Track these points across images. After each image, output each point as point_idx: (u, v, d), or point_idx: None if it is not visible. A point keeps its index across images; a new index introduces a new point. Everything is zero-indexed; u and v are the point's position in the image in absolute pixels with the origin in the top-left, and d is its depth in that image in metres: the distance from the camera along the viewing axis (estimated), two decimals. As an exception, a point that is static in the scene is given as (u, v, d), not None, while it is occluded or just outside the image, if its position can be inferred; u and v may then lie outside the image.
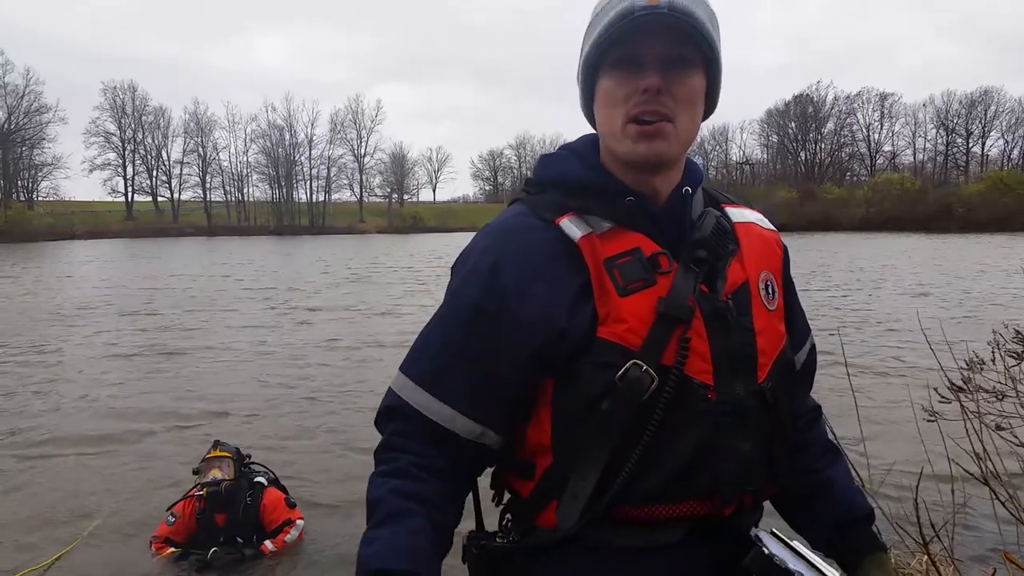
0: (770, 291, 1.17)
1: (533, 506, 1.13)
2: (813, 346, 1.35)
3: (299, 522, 4.44)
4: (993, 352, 2.94)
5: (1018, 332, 2.96)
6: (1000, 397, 2.89)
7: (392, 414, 1.14)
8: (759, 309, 1.14)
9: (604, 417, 1.04)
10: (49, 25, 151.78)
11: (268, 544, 4.30)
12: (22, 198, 72.47)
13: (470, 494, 1.21)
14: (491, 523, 1.23)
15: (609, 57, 1.09)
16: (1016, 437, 2.85)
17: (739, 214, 1.24)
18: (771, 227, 1.28)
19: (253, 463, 4.64)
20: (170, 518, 4.29)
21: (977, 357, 2.96)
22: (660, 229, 1.13)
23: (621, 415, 1.04)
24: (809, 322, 1.36)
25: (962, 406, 2.84)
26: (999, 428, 2.84)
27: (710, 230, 1.13)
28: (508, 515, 1.20)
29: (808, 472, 1.26)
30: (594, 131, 1.20)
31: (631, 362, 1.03)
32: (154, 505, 4.94)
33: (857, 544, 1.20)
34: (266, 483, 4.47)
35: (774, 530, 1.17)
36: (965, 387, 2.85)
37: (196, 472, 4.46)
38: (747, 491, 1.12)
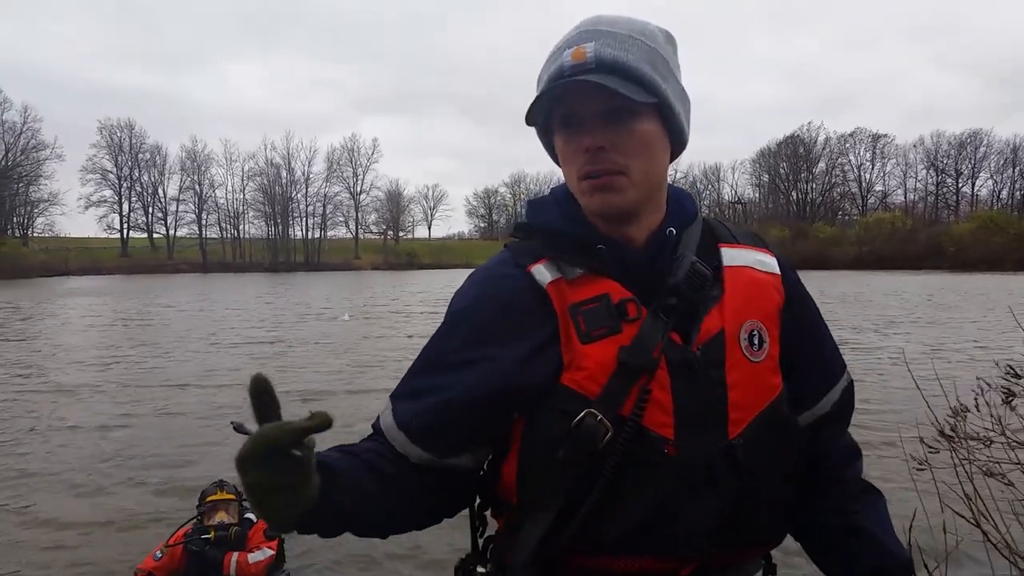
0: (755, 341, 1.10)
1: (504, 542, 1.13)
2: (848, 385, 1.26)
3: (267, 550, 4.34)
4: (976, 398, 2.97)
5: (1010, 368, 2.96)
6: (988, 444, 2.93)
7: (373, 430, 1.16)
8: (737, 361, 1.08)
9: (559, 464, 1.03)
10: (48, 62, 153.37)
11: (233, 556, 4.22)
12: (17, 234, 72.76)
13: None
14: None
15: (555, 116, 1.10)
16: (1006, 478, 2.90)
17: (734, 256, 1.17)
18: (774, 269, 1.19)
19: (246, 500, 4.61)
20: (158, 553, 4.24)
21: (961, 405, 3.00)
22: (634, 275, 1.10)
23: (575, 464, 1.02)
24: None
25: (952, 450, 2.89)
26: (990, 474, 2.87)
27: (682, 276, 1.09)
28: (492, 544, 1.19)
29: (841, 513, 1.19)
30: None
31: (586, 411, 1.01)
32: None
33: None
34: (254, 519, 4.46)
35: None
36: (954, 434, 2.89)
37: (200, 514, 4.45)
38: (708, 552, 1.06)
